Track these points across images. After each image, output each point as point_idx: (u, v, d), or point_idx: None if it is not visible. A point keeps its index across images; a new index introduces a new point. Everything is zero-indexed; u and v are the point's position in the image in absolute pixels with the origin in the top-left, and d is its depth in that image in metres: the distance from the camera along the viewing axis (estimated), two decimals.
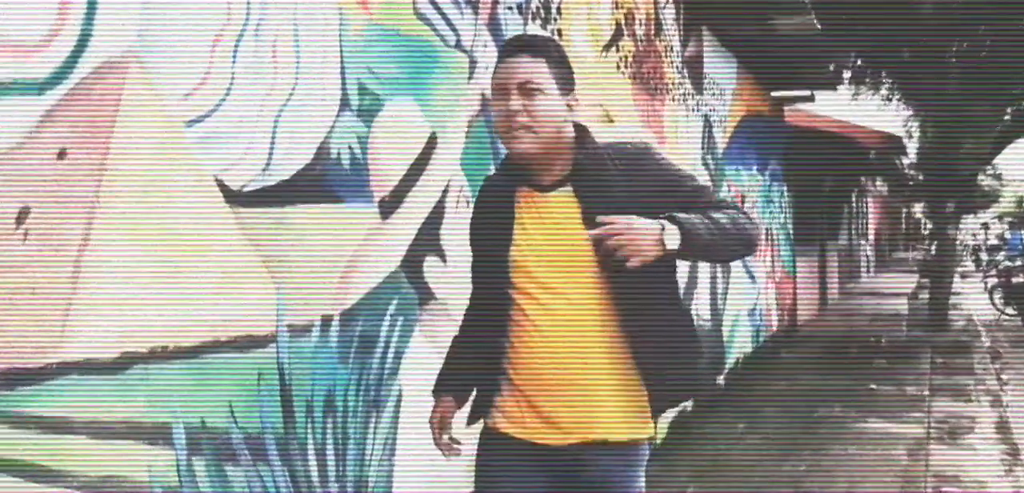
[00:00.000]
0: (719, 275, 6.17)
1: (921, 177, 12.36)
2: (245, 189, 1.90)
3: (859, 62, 10.39)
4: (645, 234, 1.53)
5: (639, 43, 4.47)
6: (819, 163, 10.66)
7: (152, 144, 1.66)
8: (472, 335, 1.83)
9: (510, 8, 3.06)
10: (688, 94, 5.44)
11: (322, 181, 2.14)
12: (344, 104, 2.22)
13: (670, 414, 4.93)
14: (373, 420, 2.34)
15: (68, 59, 1.50)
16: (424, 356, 2.50)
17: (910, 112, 11.92)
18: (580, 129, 1.73)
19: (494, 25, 2.94)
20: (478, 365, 1.77)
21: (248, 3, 1.91)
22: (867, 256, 20.87)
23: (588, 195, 1.65)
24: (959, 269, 16.83)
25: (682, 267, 5.17)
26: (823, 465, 4.48)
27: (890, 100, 11.35)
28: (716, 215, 1.64)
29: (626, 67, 4.30)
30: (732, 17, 5.75)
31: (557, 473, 1.68)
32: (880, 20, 8.34)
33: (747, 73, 7.09)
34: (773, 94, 8.30)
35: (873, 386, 6.57)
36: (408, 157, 2.49)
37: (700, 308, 5.67)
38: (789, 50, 6.61)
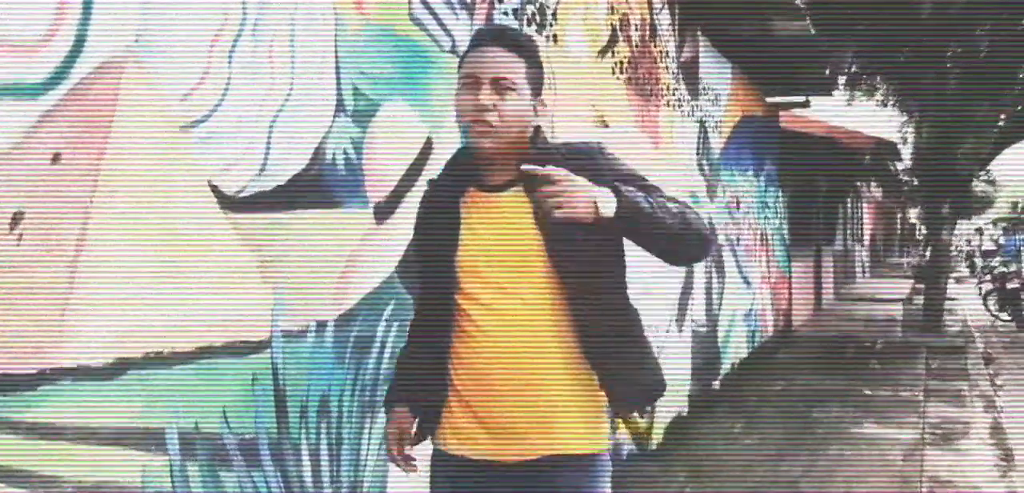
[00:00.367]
0: (714, 278, 6.19)
1: (916, 181, 12.39)
2: (241, 192, 1.90)
3: (854, 67, 10.42)
4: (580, 192, 1.46)
5: (634, 47, 4.48)
6: (814, 167, 10.69)
7: (148, 147, 1.66)
8: (419, 343, 1.75)
9: (505, 13, 3.07)
10: (683, 98, 5.45)
11: (318, 184, 2.14)
12: (340, 107, 2.22)
13: (666, 417, 4.93)
14: (368, 423, 2.34)
15: (64, 61, 1.50)
16: None
17: (905, 117, 11.97)
18: (534, 128, 1.67)
19: None
20: (424, 376, 1.70)
21: (244, 6, 1.91)
22: (862, 260, 20.91)
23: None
24: (954, 274, 16.89)
25: (678, 273, 5.19)
26: (819, 468, 4.49)
27: (885, 105, 11.39)
28: (666, 202, 1.58)
29: (621, 71, 4.31)
30: (727, 22, 5.77)
31: None
32: (876, 24, 8.37)
33: (742, 76, 7.11)
34: (769, 100, 8.32)
35: (867, 391, 6.59)
36: (404, 160, 2.50)
37: (695, 312, 5.68)
38: (784, 55, 6.62)
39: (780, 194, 9.14)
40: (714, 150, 6.26)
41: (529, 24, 3.28)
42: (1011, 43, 8.41)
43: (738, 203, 7.07)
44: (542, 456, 1.57)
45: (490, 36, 1.63)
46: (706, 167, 6.01)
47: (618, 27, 4.25)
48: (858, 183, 18.02)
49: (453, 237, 1.62)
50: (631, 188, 1.55)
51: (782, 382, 6.92)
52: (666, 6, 5.00)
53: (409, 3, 2.51)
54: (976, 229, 27.95)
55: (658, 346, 4.84)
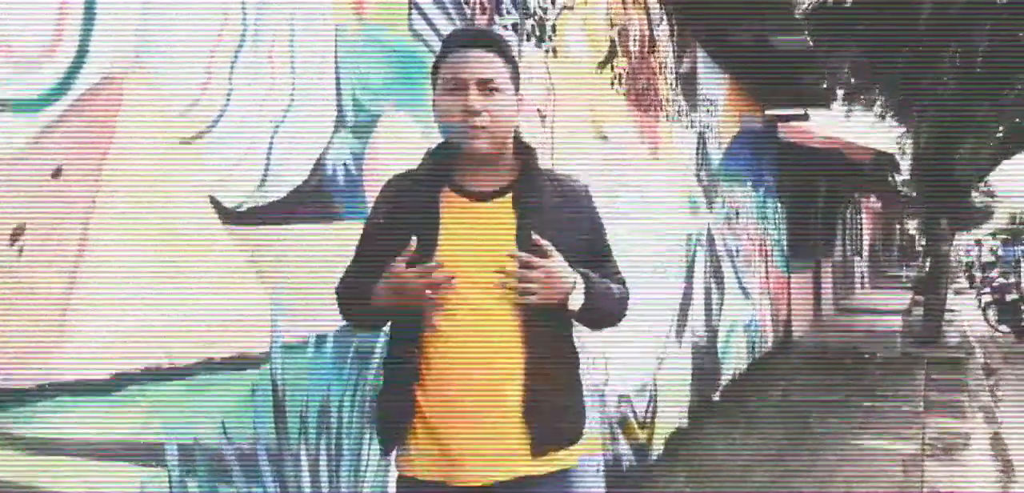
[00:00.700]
0: (714, 290, 6.19)
1: (914, 194, 12.42)
2: (241, 204, 1.90)
3: (853, 80, 10.45)
4: (561, 283, 1.53)
5: (633, 60, 4.50)
6: (813, 178, 10.71)
7: (148, 159, 1.67)
8: (397, 366, 1.63)
9: (505, 26, 3.08)
10: (682, 110, 5.47)
11: (318, 195, 2.14)
12: (339, 118, 2.23)
13: (666, 429, 4.92)
14: (368, 435, 2.33)
15: (66, 74, 1.50)
16: None
17: (903, 129, 11.99)
18: (525, 146, 1.67)
19: None
20: (390, 390, 1.63)
21: (244, 19, 1.92)
22: (861, 271, 20.92)
23: (529, 214, 1.57)
24: (953, 285, 16.89)
25: (677, 283, 5.20)
26: (819, 480, 4.48)
27: (883, 117, 11.41)
28: (613, 286, 1.68)
29: (620, 84, 4.32)
30: (725, 34, 5.79)
31: None
32: (873, 35, 8.40)
33: (740, 88, 7.13)
34: (767, 112, 8.34)
35: (867, 403, 6.58)
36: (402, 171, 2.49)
37: (695, 323, 5.67)
38: (783, 67, 6.65)
39: (779, 205, 9.15)
40: (713, 161, 6.27)
41: (528, 38, 3.29)
42: (1007, 53, 8.43)
43: (737, 214, 7.08)
44: (519, 477, 1.54)
45: (467, 38, 1.62)
46: (705, 178, 6.02)
47: (617, 40, 4.27)
48: (857, 194, 18.05)
49: (430, 239, 1.53)
50: (603, 281, 1.63)
51: (782, 394, 6.91)
52: (665, 19, 5.02)
53: (408, 14, 2.53)
54: (975, 241, 27.96)
55: (658, 357, 4.84)
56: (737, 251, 7.02)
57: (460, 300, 1.53)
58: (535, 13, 3.36)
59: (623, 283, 1.75)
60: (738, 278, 7.03)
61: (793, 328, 9.93)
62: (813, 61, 6.69)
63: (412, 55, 2.54)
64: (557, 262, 1.52)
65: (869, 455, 5.07)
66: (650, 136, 4.78)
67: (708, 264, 6.02)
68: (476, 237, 1.56)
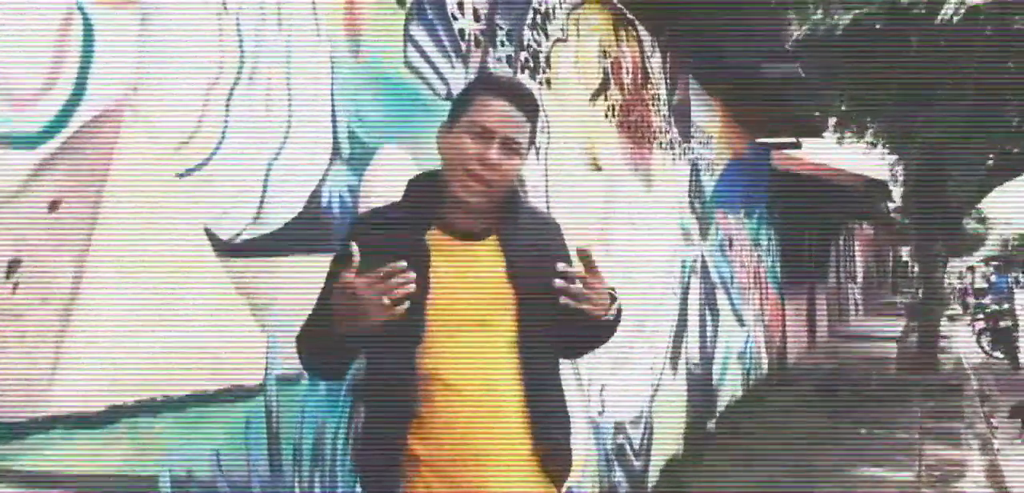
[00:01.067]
0: (708, 318, 6.19)
1: (907, 220, 12.49)
2: (236, 237, 1.91)
3: (844, 108, 10.55)
4: (606, 296, 1.56)
5: (626, 91, 4.54)
6: (806, 206, 10.77)
7: (144, 194, 1.67)
8: (381, 416, 1.59)
9: (499, 59, 3.11)
10: (675, 141, 5.51)
11: (314, 229, 2.15)
12: (335, 152, 2.24)
13: (662, 458, 4.91)
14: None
15: (62, 110, 1.51)
16: None
17: (895, 157, 12.10)
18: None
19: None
20: (378, 439, 1.57)
21: (241, 54, 1.94)
22: (855, 298, 20.95)
23: (517, 252, 1.58)
24: (947, 312, 16.92)
25: (671, 311, 5.20)
26: None
27: (874, 145, 11.51)
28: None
29: (613, 115, 4.36)
30: (717, 66, 5.85)
31: None
32: (863, 66, 8.50)
33: (733, 118, 7.19)
34: (759, 141, 8.41)
35: (863, 431, 6.57)
36: None
37: (689, 351, 5.67)
38: (774, 97, 6.71)
39: (772, 233, 9.19)
40: (706, 190, 6.31)
41: (522, 70, 3.33)
42: (997, 85, 8.54)
43: (731, 242, 7.11)
44: None
45: (503, 89, 1.59)
46: (698, 206, 6.05)
47: (610, 72, 4.31)
48: (850, 222, 18.14)
49: (421, 281, 1.46)
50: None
51: (777, 422, 6.89)
52: (657, 50, 5.08)
53: (404, 50, 2.55)
54: (968, 267, 28.08)
55: (653, 385, 4.83)
56: (731, 279, 7.04)
57: (454, 341, 1.52)
58: (529, 46, 3.39)
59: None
60: (733, 306, 7.04)
61: (788, 355, 9.93)
62: (804, 90, 6.76)
63: (408, 88, 2.56)
64: (603, 280, 1.57)
65: (866, 484, 5.06)
66: (644, 166, 4.81)
67: (702, 292, 6.03)
68: (468, 276, 1.54)
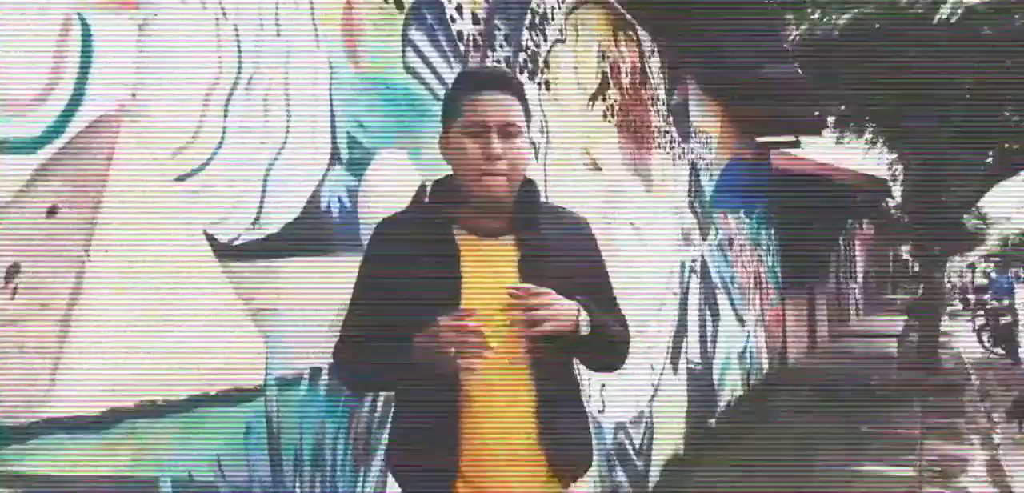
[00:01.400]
0: (709, 318, 6.20)
1: (907, 219, 12.50)
2: (235, 241, 1.92)
3: (843, 108, 10.56)
4: (566, 309, 1.51)
5: (625, 93, 4.55)
6: (806, 206, 10.77)
7: (142, 199, 1.68)
8: (414, 417, 1.59)
9: (498, 61, 3.12)
10: (674, 141, 5.52)
11: (312, 233, 2.15)
12: (334, 156, 2.25)
13: (663, 457, 4.91)
14: (362, 471, 2.33)
15: (60, 116, 1.52)
16: None
17: (895, 156, 12.10)
18: (527, 181, 1.66)
19: None
20: (428, 452, 1.55)
21: (240, 58, 1.94)
22: (856, 297, 20.95)
23: (531, 249, 1.58)
24: (947, 309, 16.92)
25: (671, 312, 5.21)
26: None
27: (874, 144, 11.52)
28: (613, 323, 1.67)
29: (613, 117, 4.36)
30: (716, 66, 5.86)
31: None
32: (862, 66, 8.51)
33: (732, 118, 7.19)
34: (759, 140, 8.41)
35: (865, 428, 6.57)
36: (399, 207, 2.51)
37: (690, 351, 5.68)
38: (773, 97, 6.72)
39: (772, 233, 9.19)
40: (706, 191, 6.31)
41: (521, 72, 3.33)
42: (994, 86, 8.55)
43: (731, 242, 7.11)
44: None
45: (485, 79, 1.61)
46: (698, 208, 6.06)
47: (609, 73, 4.32)
48: (850, 221, 18.13)
49: (455, 283, 1.52)
50: (602, 313, 1.62)
51: (778, 420, 6.89)
52: (656, 51, 5.09)
53: (403, 53, 2.56)
54: (968, 265, 28.08)
55: (653, 386, 4.84)
56: (731, 279, 7.04)
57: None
58: (527, 47, 3.40)
59: (624, 324, 1.74)
60: (733, 306, 7.05)
61: (789, 355, 9.93)
62: (803, 90, 6.77)
63: (406, 91, 2.57)
64: (554, 294, 1.52)
65: (867, 481, 5.06)
66: (643, 167, 4.82)
67: (703, 293, 6.04)
68: (488, 277, 1.55)
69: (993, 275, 15.86)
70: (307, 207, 2.14)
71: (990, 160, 10.72)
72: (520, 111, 1.58)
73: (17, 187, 1.43)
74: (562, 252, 1.61)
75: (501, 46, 3.17)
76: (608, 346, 1.67)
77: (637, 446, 4.49)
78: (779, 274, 9.47)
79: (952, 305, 19.55)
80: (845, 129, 11.36)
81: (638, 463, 4.50)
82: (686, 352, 5.55)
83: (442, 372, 1.49)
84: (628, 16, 4.58)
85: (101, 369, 1.57)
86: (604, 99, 4.26)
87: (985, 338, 11.80)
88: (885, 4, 7.88)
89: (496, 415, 1.54)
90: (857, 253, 22.07)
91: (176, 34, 1.77)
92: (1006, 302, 12.28)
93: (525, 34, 3.39)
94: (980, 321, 12.35)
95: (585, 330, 1.54)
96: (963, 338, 13.53)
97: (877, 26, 7.90)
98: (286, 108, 2.08)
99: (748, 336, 7.66)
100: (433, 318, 1.47)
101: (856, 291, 21.24)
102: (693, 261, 5.83)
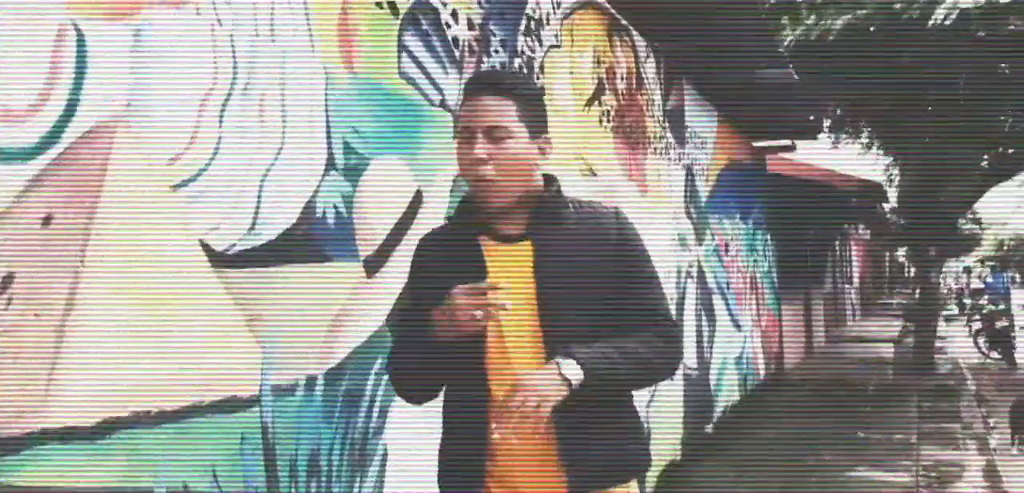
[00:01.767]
0: (705, 323, 6.20)
1: (902, 222, 12.52)
2: (231, 249, 1.91)
3: (838, 111, 10.59)
4: (544, 380, 1.44)
5: (621, 97, 4.55)
6: (802, 210, 10.79)
7: (138, 208, 1.68)
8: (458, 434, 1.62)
9: (493, 66, 3.12)
10: (670, 146, 5.52)
11: (308, 240, 2.15)
12: (330, 163, 2.25)
13: (660, 464, 4.91)
14: (358, 479, 2.32)
15: (56, 125, 1.51)
16: (410, 414, 2.49)
17: (890, 159, 12.13)
18: (548, 178, 1.66)
19: None
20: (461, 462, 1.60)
21: (235, 65, 1.94)
22: (852, 301, 20.98)
23: (543, 249, 1.56)
24: (943, 313, 16.96)
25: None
26: None
27: (870, 148, 11.54)
28: (633, 345, 1.56)
29: (608, 121, 4.37)
30: (712, 70, 5.87)
31: None
32: (857, 69, 8.53)
33: (727, 122, 7.21)
34: (755, 144, 8.43)
35: (861, 434, 6.57)
36: (394, 214, 2.52)
37: (686, 357, 5.68)
38: (769, 101, 6.73)
39: (768, 237, 9.21)
40: (701, 195, 6.32)
41: None
42: (988, 90, 8.58)
43: (727, 247, 7.11)
44: None
45: (480, 84, 1.59)
46: (694, 212, 6.06)
47: (604, 78, 4.32)
48: (846, 225, 18.17)
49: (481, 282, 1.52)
50: (594, 349, 1.51)
51: (775, 426, 6.89)
52: (652, 56, 5.09)
53: (398, 59, 2.56)
54: (964, 268, 28.13)
55: (650, 391, 4.83)
56: (727, 284, 7.04)
57: (499, 341, 1.55)
58: (523, 53, 3.40)
59: (665, 320, 1.65)
60: (729, 311, 7.05)
61: (785, 359, 9.94)
62: (799, 94, 6.78)
63: (402, 98, 2.57)
64: (524, 373, 1.46)
65: (863, 487, 5.06)
66: (638, 172, 4.82)
67: (698, 298, 6.04)
68: (517, 281, 1.53)
69: (989, 279, 15.89)
70: (303, 214, 2.14)
71: (985, 163, 10.75)
72: (513, 114, 1.55)
73: (12, 196, 1.43)
74: (579, 251, 1.59)
75: (496, 52, 3.17)
76: (630, 374, 1.57)
77: None
78: (775, 278, 9.48)
79: (948, 309, 19.57)
80: (841, 133, 11.39)
81: None
82: (682, 358, 5.55)
83: (463, 336, 1.49)
84: (623, 21, 4.59)
85: (96, 378, 1.56)
86: (599, 104, 4.26)
87: (981, 342, 11.80)
88: (880, 8, 7.91)
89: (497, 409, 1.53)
90: (853, 256, 22.10)
91: (171, 41, 1.77)
92: (1002, 306, 12.30)
93: (520, 40, 3.39)
94: (976, 325, 12.36)
95: (575, 376, 1.46)
96: (959, 342, 13.55)
97: (872, 29, 7.92)
98: (281, 115, 2.08)
99: (744, 341, 7.66)
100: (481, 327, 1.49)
101: (852, 294, 21.27)
102: (689, 266, 5.84)
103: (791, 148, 9.44)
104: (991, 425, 7.06)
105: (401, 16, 2.57)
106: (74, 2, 1.55)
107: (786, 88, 6.40)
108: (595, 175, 4.10)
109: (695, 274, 5.97)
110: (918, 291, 12.20)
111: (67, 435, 1.51)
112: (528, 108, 1.58)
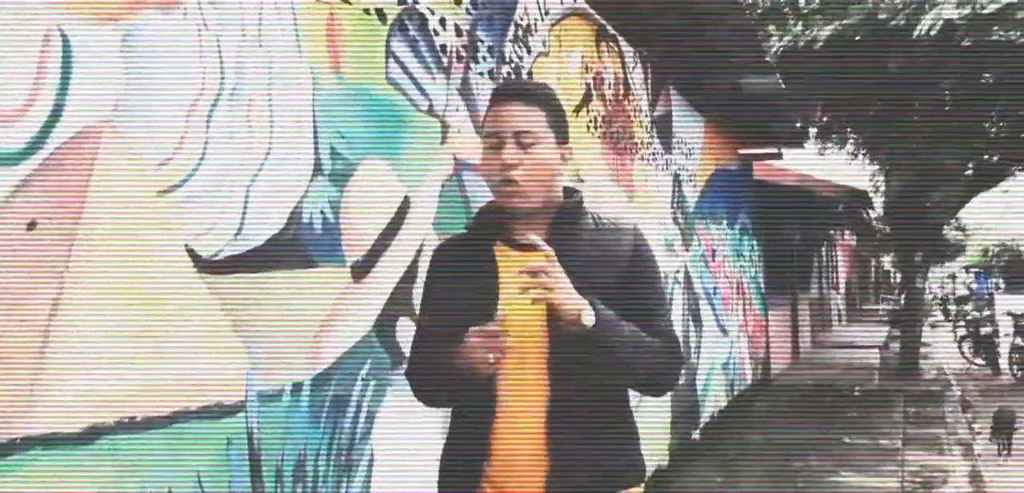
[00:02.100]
0: (692, 329, 6.22)
1: (888, 229, 12.62)
2: (217, 255, 1.91)
3: (825, 119, 10.66)
4: (569, 291, 1.46)
5: (609, 104, 4.57)
6: (788, 216, 10.86)
7: (124, 213, 1.67)
8: (472, 437, 1.61)
9: (481, 73, 3.13)
10: (657, 152, 5.55)
11: (295, 245, 2.15)
12: (317, 168, 2.25)
13: (647, 471, 4.91)
14: (345, 484, 2.32)
15: (42, 128, 1.51)
16: (396, 419, 2.49)
17: (876, 166, 12.23)
18: (570, 191, 1.68)
19: (466, 90, 3.01)
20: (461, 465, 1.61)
21: (222, 70, 1.94)
22: (838, 307, 21.10)
23: (558, 257, 1.54)
24: (929, 319, 17.08)
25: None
26: None
27: (856, 156, 11.63)
28: (626, 326, 1.57)
29: (596, 128, 4.39)
30: (699, 78, 5.90)
31: None
32: (844, 78, 8.60)
33: (715, 129, 7.25)
34: (741, 152, 8.47)
35: (847, 439, 6.61)
36: (381, 220, 2.52)
37: None
38: (756, 108, 6.77)
39: (755, 243, 9.25)
40: (688, 201, 6.35)
41: None
42: (975, 96, 8.66)
43: (714, 253, 7.15)
44: None
45: (508, 92, 1.63)
46: (681, 219, 6.09)
47: (592, 85, 4.34)
48: (832, 231, 18.28)
49: (493, 296, 1.55)
50: (610, 312, 1.53)
51: (762, 432, 6.92)
52: (639, 63, 5.12)
53: (386, 65, 2.56)
54: (949, 275, 28.38)
55: (636, 397, 4.84)
56: (714, 290, 7.07)
57: (516, 354, 1.54)
58: (511, 60, 3.41)
59: (664, 336, 1.65)
60: (716, 317, 7.08)
61: (772, 365, 9.98)
62: (786, 102, 6.83)
63: (389, 104, 2.57)
64: (567, 280, 1.48)
65: (849, 491, 5.09)
66: (626, 178, 4.84)
67: (685, 304, 6.06)
68: (516, 286, 1.52)
69: (974, 286, 16.03)
70: (290, 220, 2.14)
71: (970, 171, 10.84)
72: (542, 121, 1.58)
73: None
74: (593, 263, 1.60)
75: (484, 58, 3.18)
76: (633, 358, 1.57)
77: None
78: (762, 284, 9.53)
79: (933, 315, 19.71)
80: (827, 140, 11.47)
81: None
82: None
83: (478, 376, 1.50)
84: (611, 28, 4.61)
85: (81, 383, 1.56)
86: (587, 111, 4.28)
87: (966, 348, 11.90)
88: (866, 17, 7.98)
89: (515, 418, 1.56)
90: (839, 262, 22.24)
91: (158, 47, 1.77)
92: (986, 312, 12.40)
93: (508, 47, 3.40)
94: (961, 332, 12.46)
95: (588, 321, 1.48)
96: (944, 348, 13.64)
97: (858, 38, 7.99)
98: (269, 119, 2.08)
99: (731, 346, 7.70)
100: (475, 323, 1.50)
101: (838, 300, 21.39)
102: (676, 272, 5.86)
103: (777, 156, 9.50)
104: (976, 430, 7.12)
105: (389, 22, 2.58)
106: (61, 6, 1.55)
107: (773, 96, 6.45)
108: (582, 182, 4.12)
109: (682, 279, 5.99)
110: (904, 297, 12.28)
111: (52, 441, 1.50)
112: (554, 115, 1.62)
